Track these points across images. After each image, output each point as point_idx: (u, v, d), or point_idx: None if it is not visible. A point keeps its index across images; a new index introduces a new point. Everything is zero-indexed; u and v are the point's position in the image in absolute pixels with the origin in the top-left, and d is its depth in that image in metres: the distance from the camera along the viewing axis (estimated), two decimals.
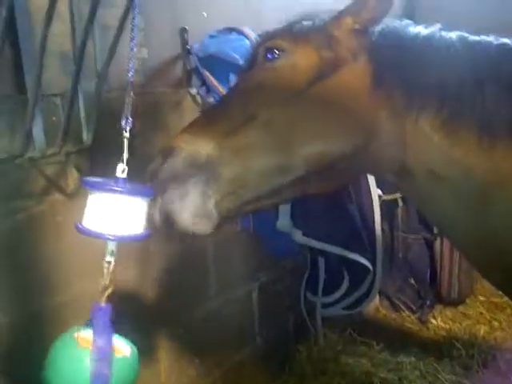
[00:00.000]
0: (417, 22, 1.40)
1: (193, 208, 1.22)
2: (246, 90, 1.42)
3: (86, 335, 1.18)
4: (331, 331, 3.29)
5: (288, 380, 3.04)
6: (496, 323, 3.75)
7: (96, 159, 1.85)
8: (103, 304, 1.18)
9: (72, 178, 1.81)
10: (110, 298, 1.19)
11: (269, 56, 1.38)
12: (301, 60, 1.36)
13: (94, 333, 1.15)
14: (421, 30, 1.36)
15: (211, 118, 1.40)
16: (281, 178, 1.29)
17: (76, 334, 1.18)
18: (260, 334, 2.95)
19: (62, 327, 1.81)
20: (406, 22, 1.39)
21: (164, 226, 1.24)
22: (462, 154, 1.26)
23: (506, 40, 1.29)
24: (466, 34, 1.33)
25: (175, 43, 2.23)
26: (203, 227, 1.24)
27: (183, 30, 2.24)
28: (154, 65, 2.13)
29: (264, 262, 2.90)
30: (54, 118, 1.71)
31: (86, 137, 1.71)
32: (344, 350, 3.20)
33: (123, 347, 1.22)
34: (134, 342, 1.26)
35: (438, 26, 1.36)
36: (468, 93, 1.24)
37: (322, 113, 1.31)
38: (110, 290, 1.19)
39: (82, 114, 1.71)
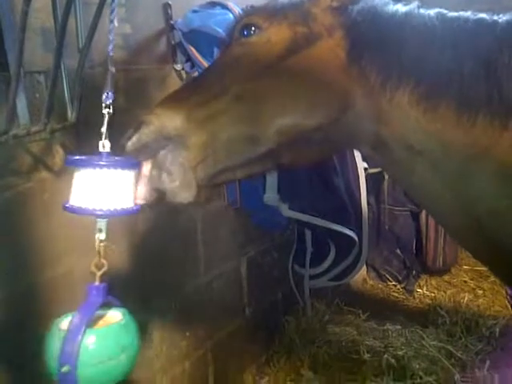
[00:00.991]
0: None
1: (174, 178, 1.25)
2: (220, 66, 1.44)
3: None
4: (319, 302, 3.37)
5: (277, 350, 3.13)
6: (480, 291, 3.86)
7: (82, 136, 1.85)
8: (97, 283, 1.17)
9: (58, 155, 1.82)
10: (103, 278, 1.19)
11: (245, 32, 1.39)
12: (274, 35, 1.36)
13: (77, 310, 1.14)
14: (399, 7, 1.35)
15: (185, 93, 1.42)
16: (252, 149, 1.31)
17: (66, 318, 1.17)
18: (249, 306, 3.01)
19: (52, 303, 1.86)
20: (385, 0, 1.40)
21: (152, 200, 1.27)
22: (441, 130, 1.26)
23: (483, 15, 1.29)
24: (445, 11, 1.33)
25: (159, 18, 2.21)
26: (187, 196, 1.27)
27: (166, 5, 2.21)
28: (138, 40, 2.11)
29: (252, 236, 2.94)
30: (37, 95, 1.71)
31: (71, 114, 1.71)
32: (331, 319, 3.29)
33: (115, 317, 1.22)
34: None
35: (416, 3, 1.36)
36: (446, 68, 1.25)
37: (294, 86, 1.32)
38: (104, 269, 1.18)
39: (66, 90, 1.70)
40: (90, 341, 1.09)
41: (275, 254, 3.17)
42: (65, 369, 1.05)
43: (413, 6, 1.36)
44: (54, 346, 1.10)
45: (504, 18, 1.27)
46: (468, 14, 1.30)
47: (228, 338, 2.84)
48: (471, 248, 1.54)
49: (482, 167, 1.25)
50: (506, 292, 3.68)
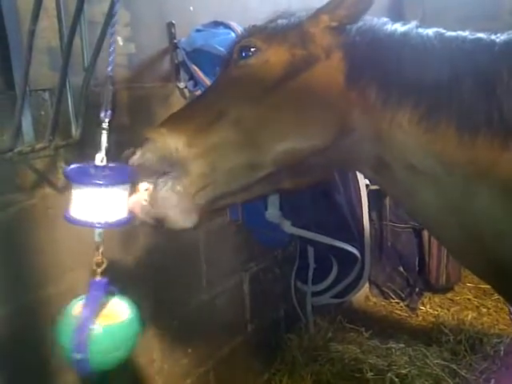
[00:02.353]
0: (404, 15, 1.41)
1: (172, 206, 1.29)
2: (219, 87, 1.46)
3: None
4: (321, 319, 3.35)
5: (279, 368, 3.10)
6: (484, 309, 3.83)
7: (85, 153, 1.86)
8: (98, 278, 1.30)
9: (62, 172, 1.84)
10: (104, 273, 1.31)
11: (243, 54, 1.41)
12: (273, 57, 1.37)
13: (84, 303, 1.27)
14: (398, 27, 1.36)
15: (187, 114, 1.44)
16: (251, 174, 1.32)
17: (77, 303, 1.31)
18: (251, 323, 2.99)
19: (56, 318, 1.85)
20: (384, 19, 1.40)
21: (154, 225, 1.34)
22: (442, 149, 1.26)
23: (480, 35, 1.30)
24: (443, 30, 1.34)
25: (162, 38, 2.24)
26: (186, 223, 1.32)
27: (170, 25, 2.25)
28: (142, 59, 2.14)
29: (254, 253, 2.94)
30: (42, 113, 1.73)
31: (75, 131, 1.73)
32: (334, 337, 3.26)
33: (123, 312, 1.33)
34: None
35: (415, 23, 1.38)
36: (445, 88, 1.25)
37: (293, 110, 1.33)
38: (103, 266, 1.31)
39: (71, 108, 1.73)
40: (99, 335, 1.23)
41: (277, 270, 3.16)
42: (78, 356, 1.19)
43: (411, 25, 1.37)
44: (67, 332, 1.25)
45: (501, 38, 1.28)
46: (466, 33, 1.31)
47: (230, 356, 2.82)
48: (475, 270, 1.52)
49: (483, 188, 1.24)
50: (509, 310, 3.65)
